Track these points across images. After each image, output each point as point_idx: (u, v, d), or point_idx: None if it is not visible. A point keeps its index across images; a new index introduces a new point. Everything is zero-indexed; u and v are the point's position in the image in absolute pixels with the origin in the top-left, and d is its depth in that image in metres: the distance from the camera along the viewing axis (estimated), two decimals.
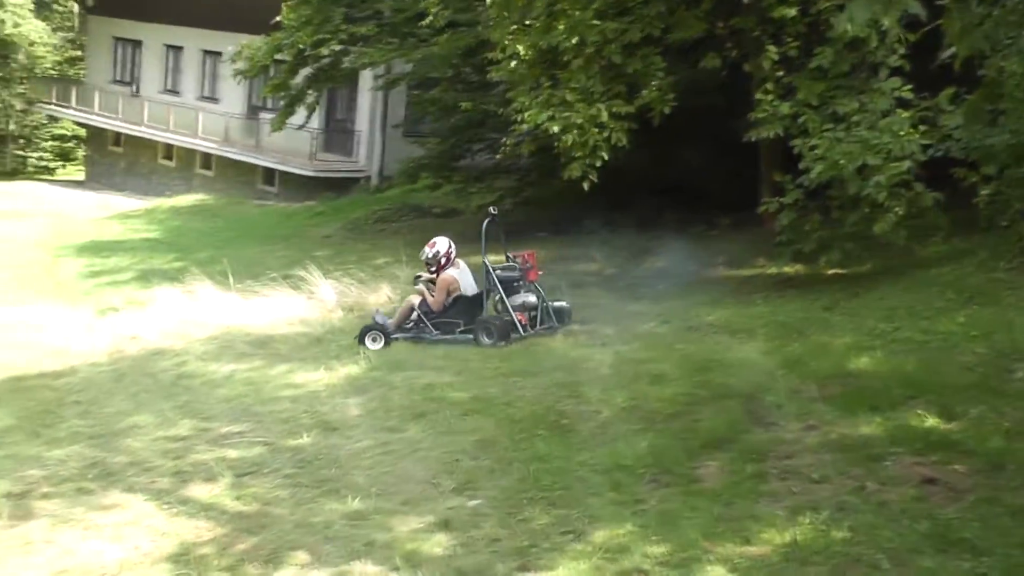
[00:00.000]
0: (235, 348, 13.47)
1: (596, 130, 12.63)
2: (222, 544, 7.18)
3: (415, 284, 13.34)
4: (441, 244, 13.13)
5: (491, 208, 13.17)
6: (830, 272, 13.33)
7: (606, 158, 12.73)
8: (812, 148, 11.76)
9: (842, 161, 11.54)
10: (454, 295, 13.04)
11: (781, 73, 13.15)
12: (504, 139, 13.97)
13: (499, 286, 12.75)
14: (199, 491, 8.26)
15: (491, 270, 12.84)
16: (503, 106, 15.38)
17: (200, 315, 15.70)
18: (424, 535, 6.90)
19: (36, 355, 14.60)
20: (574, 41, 12.56)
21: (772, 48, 13.23)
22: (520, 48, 12.91)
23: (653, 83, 12.75)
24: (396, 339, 12.83)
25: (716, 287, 14.00)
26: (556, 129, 12.69)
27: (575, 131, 12.65)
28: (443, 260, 13.09)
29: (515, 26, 13.07)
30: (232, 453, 9.13)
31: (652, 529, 6.48)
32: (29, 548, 7.54)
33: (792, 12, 12.83)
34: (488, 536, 6.78)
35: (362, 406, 10.17)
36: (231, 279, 16.70)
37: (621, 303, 13.68)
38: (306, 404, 10.50)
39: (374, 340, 12.69)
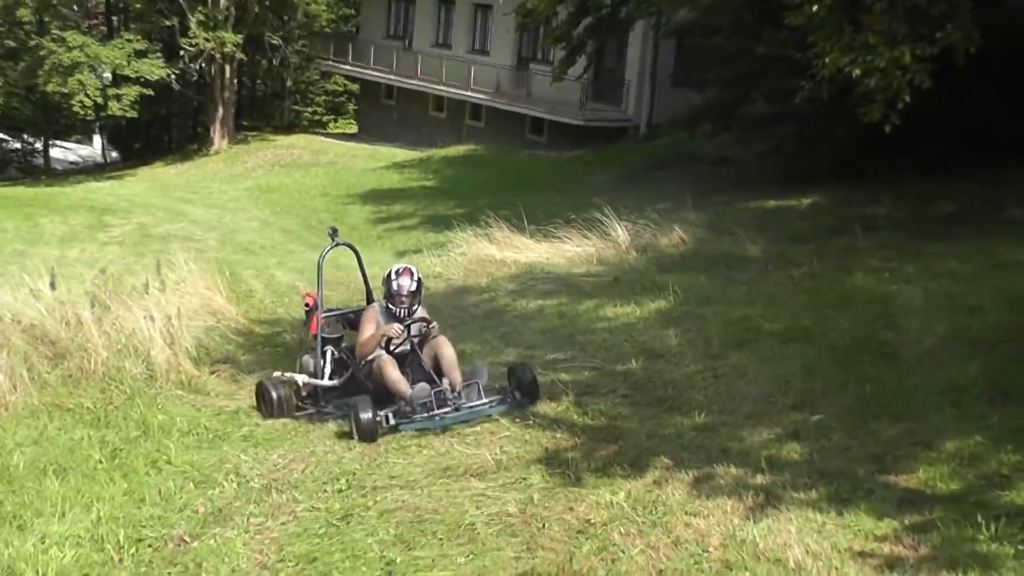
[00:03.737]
0: (538, 286, 14.23)
1: (899, 72, 12.76)
2: (584, 450, 7.89)
3: (407, 330, 9.47)
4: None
5: (330, 229, 10.50)
6: None
7: (908, 100, 12.85)
8: None
9: None
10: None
11: None
12: (803, 83, 14.15)
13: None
14: (544, 407, 9.00)
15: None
16: (799, 51, 15.56)
17: (498, 256, 16.61)
18: (777, 444, 7.49)
19: (350, 292, 15.83)
20: None
21: None
22: None
23: (957, 23, 12.75)
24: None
25: (1016, 229, 13.94)
26: (858, 72, 12.87)
27: (878, 74, 12.82)
28: None
29: None
30: (565, 376, 9.86)
31: (1002, 441, 6.93)
32: (404, 452, 8.46)
33: None
34: (839, 445, 7.34)
35: (680, 336, 10.77)
36: (525, 222, 17.52)
37: (916, 243, 13.80)
38: (624, 334, 11.17)
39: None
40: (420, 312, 9.65)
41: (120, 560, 6.94)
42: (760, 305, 11.63)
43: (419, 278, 9.58)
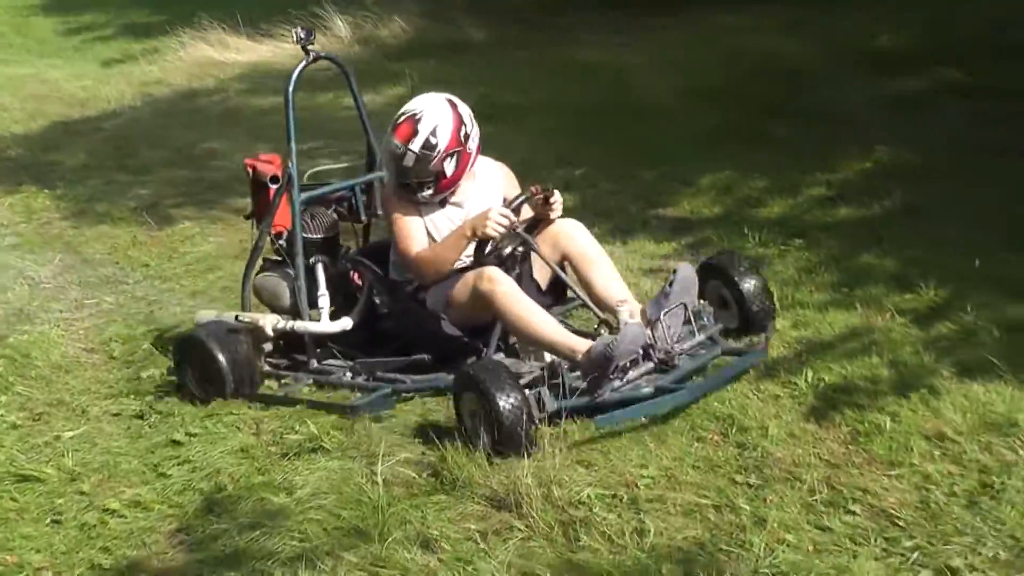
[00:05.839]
0: (269, 83, 14.12)
1: None
2: None
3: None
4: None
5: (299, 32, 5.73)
6: None
7: None
8: None
9: None
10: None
11: None
12: None
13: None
14: None
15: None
16: None
17: (219, 57, 16.42)
18: None
19: (67, 105, 15.35)
20: None
21: None
22: None
23: None
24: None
25: None
26: None
27: None
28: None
29: None
30: (327, 162, 10.13)
31: (749, 172, 7.95)
32: (191, 241, 8.64)
33: None
34: (607, 190, 8.20)
35: None
36: (240, 22, 17.26)
37: (632, 19, 14.40)
38: (372, 120, 11.54)
39: None
40: (500, 175, 5.72)
41: None
42: (496, 84, 12.16)
43: (465, 114, 5.38)
